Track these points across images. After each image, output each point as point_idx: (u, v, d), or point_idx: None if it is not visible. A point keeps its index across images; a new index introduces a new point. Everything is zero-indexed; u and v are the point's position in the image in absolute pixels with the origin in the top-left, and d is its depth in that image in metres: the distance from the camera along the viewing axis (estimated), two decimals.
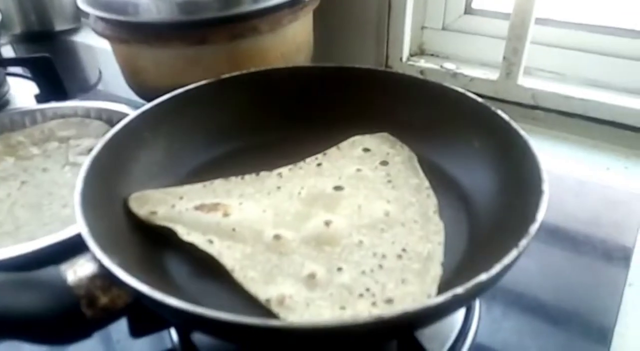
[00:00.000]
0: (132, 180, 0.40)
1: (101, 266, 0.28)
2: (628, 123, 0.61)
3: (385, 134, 0.48)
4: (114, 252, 0.30)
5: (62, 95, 0.68)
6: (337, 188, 0.41)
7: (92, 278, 0.28)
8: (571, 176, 0.55)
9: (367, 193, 0.41)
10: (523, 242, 0.28)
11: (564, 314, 0.41)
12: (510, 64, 0.64)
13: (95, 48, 0.89)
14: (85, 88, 0.80)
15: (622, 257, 0.45)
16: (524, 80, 0.65)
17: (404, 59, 0.73)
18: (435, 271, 0.34)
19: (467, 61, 0.73)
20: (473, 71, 0.70)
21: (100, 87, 0.81)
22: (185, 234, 0.37)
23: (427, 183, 0.42)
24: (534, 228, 0.29)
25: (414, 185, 0.42)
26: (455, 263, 0.35)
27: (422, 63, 0.73)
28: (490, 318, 0.40)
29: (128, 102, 0.62)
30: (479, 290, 0.26)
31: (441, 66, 0.72)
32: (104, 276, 0.28)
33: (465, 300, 0.26)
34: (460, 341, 0.37)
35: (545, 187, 0.32)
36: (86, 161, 0.36)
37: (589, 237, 0.48)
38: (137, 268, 0.32)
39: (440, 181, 0.42)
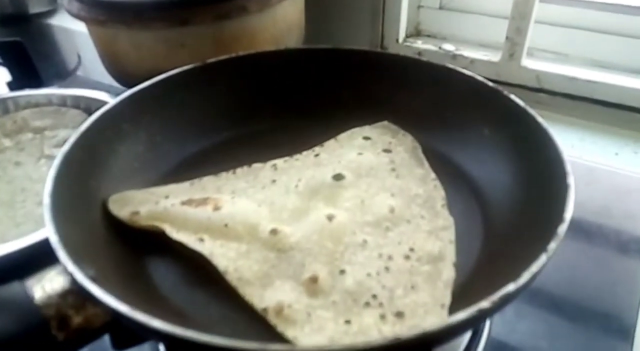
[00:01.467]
0: (110, 177, 0.36)
1: (74, 280, 0.24)
2: (637, 106, 0.58)
3: (385, 123, 0.44)
4: (90, 262, 0.27)
5: (36, 82, 0.64)
6: (338, 177, 0.37)
7: (63, 295, 0.25)
8: (578, 162, 0.52)
9: (370, 183, 0.37)
10: (552, 245, 0.25)
11: (580, 312, 0.38)
12: (513, 44, 0.61)
13: (74, 31, 0.84)
14: (62, 75, 0.76)
15: (637, 249, 0.43)
16: (527, 62, 0.62)
17: (400, 40, 0.70)
18: (448, 273, 0.31)
19: (467, 42, 0.69)
20: (473, 52, 0.66)
21: (79, 73, 0.76)
22: (174, 232, 0.33)
23: (433, 175, 0.38)
24: (562, 229, 0.26)
25: (419, 175, 0.39)
26: (470, 265, 0.31)
27: (420, 44, 0.69)
28: (503, 319, 0.37)
29: (110, 90, 0.58)
30: (506, 302, 0.23)
31: (439, 47, 0.68)
32: (77, 293, 0.25)
33: (490, 314, 0.23)
34: (473, 344, 0.34)
35: (571, 180, 0.29)
36: (57, 157, 0.32)
37: (602, 228, 0.45)
38: (116, 280, 0.29)
39: (448, 172, 0.38)
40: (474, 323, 0.22)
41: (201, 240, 0.32)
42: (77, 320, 0.24)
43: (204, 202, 0.34)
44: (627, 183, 0.50)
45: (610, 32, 0.62)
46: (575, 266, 0.42)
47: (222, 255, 0.31)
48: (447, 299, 0.29)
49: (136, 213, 0.34)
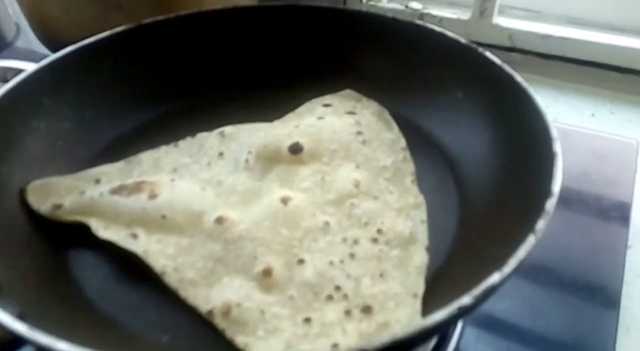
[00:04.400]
0: (27, 161, 0.31)
1: None
2: (612, 64, 0.55)
3: (348, 91, 0.39)
4: None
5: None
6: (294, 148, 0.32)
7: None
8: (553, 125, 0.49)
9: (333, 151, 0.33)
10: (540, 225, 0.21)
11: (562, 284, 0.35)
12: (484, 1, 0.57)
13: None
14: None
15: (619, 215, 0.40)
16: (499, 19, 0.58)
17: None
18: (420, 259, 0.27)
19: (434, 0, 0.64)
20: (442, 11, 0.62)
21: (20, 44, 0.69)
22: (102, 229, 0.28)
23: (403, 142, 0.34)
24: (550, 204, 0.22)
25: (388, 140, 0.34)
26: (444, 248, 0.28)
27: (385, 3, 0.64)
28: None
29: None
30: (490, 295, 0.19)
31: (406, 6, 0.63)
32: None
33: (472, 311, 0.19)
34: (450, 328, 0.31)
35: (557, 147, 0.25)
36: None
37: (581, 195, 0.42)
38: (30, 285, 0.24)
39: (418, 141, 0.34)
40: (453, 322, 0.19)
41: (134, 236, 0.27)
42: None
43: (137, 188, 0.29)
44: (605, 146, 0.47)
45: None
46: (554, 236, 0.38)
47: (159, 252, 0.27)
48: (420, 288, 0.25)
49: (59, 206, 0.29)
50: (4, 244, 0.26)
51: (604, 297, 0.34)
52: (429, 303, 0.24)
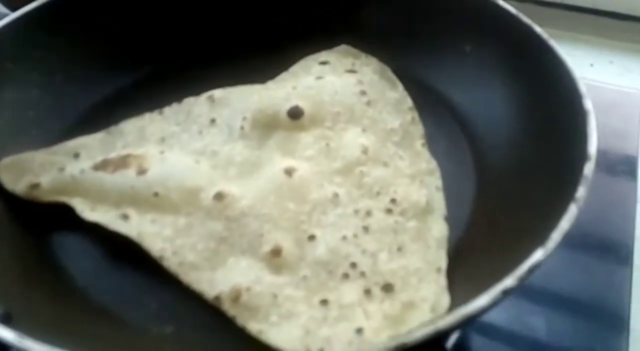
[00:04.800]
0: None
1: None
2: (612, 11, 0.53)
3: (344, 47, 0.36)
4: None
5: None
6: (294, 112, 0.29)
7: None
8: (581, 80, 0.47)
9: (336, 114, 0.30)
10: (580, 192, 0.20)
11: (575, 240, 0.34)
12: None
13: None
14: None
15: (627, 170, 0.39)
16: None
17: None
18: (440, 230, 0.25)
19: None
20: None
21: None
22: (88, 210, 0.26)
23: (409, 102, 0.32)
24: (588, 168, 0.21)
25: (393, 100, 0.32)
26: (463, 218, 0.26)
27: None
28: None
29: None
30: (532, 274, 0.18)
31: None
32: None
33: (515, 292, 0.17)
34: None
35: (589, 104, 0.23)
36: None
37: None
38: (12, 278, 0.22)
39: (425, 101, 0.32)
40: (495, 306, 0.17)
41: (125, 217, 0.25)
42: None
43: (123, 163, 0.26)
44: (608, 97, 0.45)
45: None
46: None
47: (154, 234, 0.24)
48: (443, 262, 0.24)
49: (36, 185, 0.26)
50: None
51: (616, 254, 0.33)
52: (452, 278, 0.23)
